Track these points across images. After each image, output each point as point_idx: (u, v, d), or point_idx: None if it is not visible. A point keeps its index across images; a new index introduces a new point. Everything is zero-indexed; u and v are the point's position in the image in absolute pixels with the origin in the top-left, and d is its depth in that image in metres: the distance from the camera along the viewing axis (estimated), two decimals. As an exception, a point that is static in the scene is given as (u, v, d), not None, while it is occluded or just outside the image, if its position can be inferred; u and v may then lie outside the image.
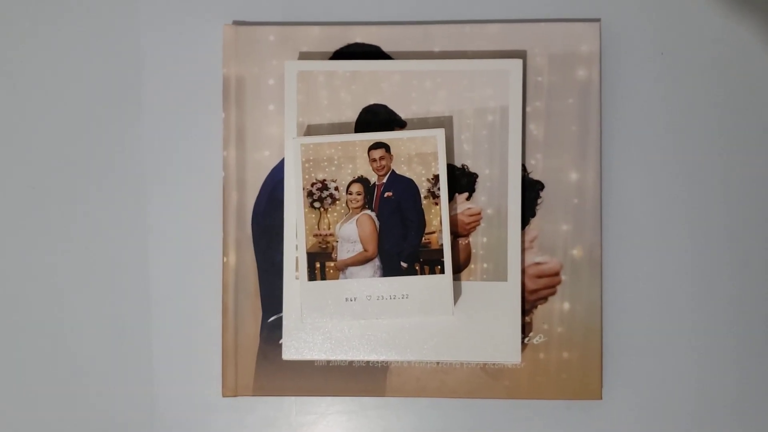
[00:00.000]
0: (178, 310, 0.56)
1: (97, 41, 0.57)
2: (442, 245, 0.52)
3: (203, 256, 0.56)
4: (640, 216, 0.56)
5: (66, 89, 0.57)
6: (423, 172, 0.52)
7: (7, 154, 0.57)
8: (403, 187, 0.52)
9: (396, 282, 0.52)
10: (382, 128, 0.54)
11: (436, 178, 0.52)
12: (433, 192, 0.52)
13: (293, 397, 0.56)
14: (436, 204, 0.52)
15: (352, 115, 0.54)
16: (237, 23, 0.56)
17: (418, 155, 0.52)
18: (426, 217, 0.52)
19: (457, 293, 0.53)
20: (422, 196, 0.52)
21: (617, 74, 0.56)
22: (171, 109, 0.57)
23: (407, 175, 0.52)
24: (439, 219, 0.52)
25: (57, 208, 0.57)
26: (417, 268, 0.52)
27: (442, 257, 0.52)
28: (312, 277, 0.53)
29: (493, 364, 0.54)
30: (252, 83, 0.55)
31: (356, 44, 0.55)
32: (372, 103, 0.54)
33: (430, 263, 0.52)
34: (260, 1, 0.57)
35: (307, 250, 0.53)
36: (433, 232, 0.52)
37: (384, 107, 0.54)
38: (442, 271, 0.52)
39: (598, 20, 0.56)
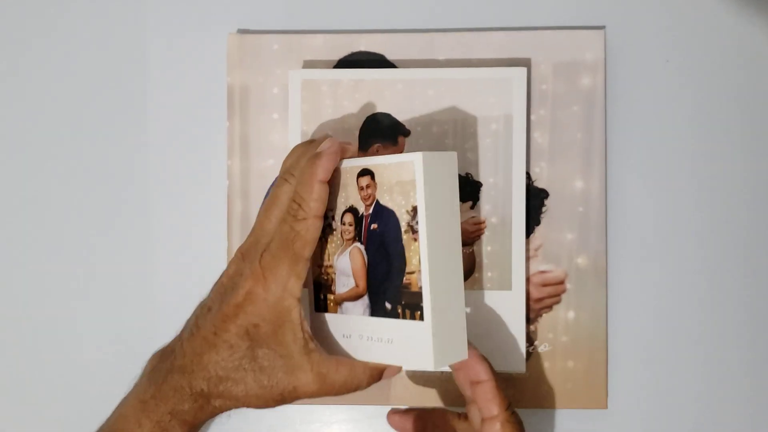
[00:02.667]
0: (182, 318, 0.56)
1: (103, 50, 0.57)
2: (421, 288, 0.44)
3: (208, 264, 0.56)
4: (646, 224, 0.56)
5: (72, 97, 0.57)
6: (403, 202, 0.44)
7: (14, 162, 0.57)
8: (386, 220, 0.45)
9: (382, 324, 0.46)
10: (386, 137, 0.54)
11: (416, 210, 0.44)
12: (413, 226, 0.44)
13: (297, 406, 0.56)
14: (416, 240, 0.44)
15: (356, 124, 0.54)
16: (241, 32, 0.56)
17: (398, 183, 0.44)
18: (406, 255, 0.44)
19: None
20: (402, 230, 0.44)
21: (622, 82, 0.56)
22: (176, 117, 0.57)
23: (389, 205, 0.45)
24: (418, 257, 0.43)
25: (61, 216, 0.57)
26: (399, 311, 0.45)
27: (422, 301, 0.43)
28: (318, 307, 0.49)
29: (498, 373, 0.54)
30: (256, 92, 0.55)
31: (360, 52, 0.55)
32: (376, 111, 0.54)
33: (411, 307, 0.44)
34: (264, 9, 0.57)
35: (314, 279, 0.49)
36: (413, 272, 0.44)
37: (388, 116, 0.54)
38: (422, 318, 0.44)
39: (602, 28, 0.55)
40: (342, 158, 0.46)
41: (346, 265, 0.47)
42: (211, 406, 0.45)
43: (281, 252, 0.43)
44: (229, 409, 0.45)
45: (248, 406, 0.45)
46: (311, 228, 0.43)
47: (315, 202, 0.43)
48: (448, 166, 0.45)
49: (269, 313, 0.43)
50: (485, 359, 0.46)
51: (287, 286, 0.43)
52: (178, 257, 0.57)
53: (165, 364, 0.46)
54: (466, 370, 0.46)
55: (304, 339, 0.44)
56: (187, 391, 0.45)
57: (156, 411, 0.45)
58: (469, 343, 0.45)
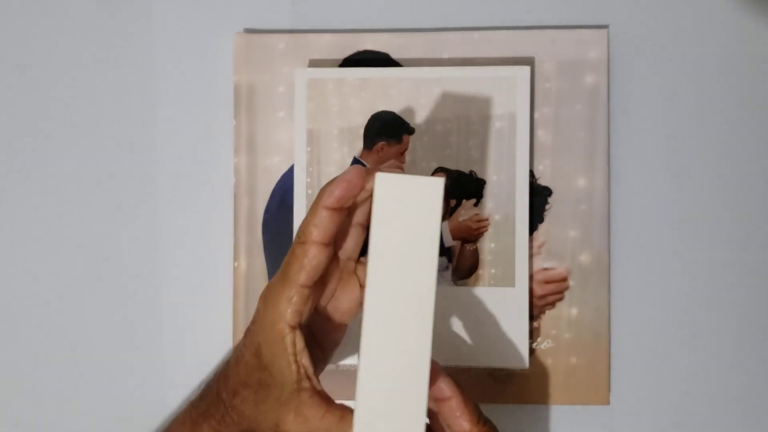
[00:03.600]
0: (189, 314, 0.57)
1: (111, 50, 0.58)
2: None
3: (214, 261, 0.57)
4: (648, 222, 0.56)
5: (79, 96, 0.58)
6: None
7: (23, 161, 0.58)
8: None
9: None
10: (391, 135, 0.54)
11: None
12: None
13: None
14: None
15: (361, 122, 0.55)
16: (248, 31, 0.57)
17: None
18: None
19: (465, 299, 0.54)
20: None
21: (625, 80, 0.56)
22: (183, 116, 0.58)
23: None
24: None
25: (69, 213, 0.58)
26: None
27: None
28: None
29: (501, 370, 0.54)
30: (263, 90, 0.56)
31: (365, 51, 0.56)
32: (381, 110, 0.55)
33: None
34: (271, 9, 0.58)
35: None
36: None
37: (392, 114, 0.55)
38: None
39: (606, 27, 0.56)
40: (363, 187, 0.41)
41: None
42: (229, 417, 0.44)
43: (280, 273, 0.42)
44: (242, 428, 0.44)
45: (252, 429, 0.43)
46: (308, 253, 0.40)
47: (314, 227, 0.41)
48: (427, 194, 0.36)
49: (266, 334, 0.41)
50: (446, 374, 0.42)
51: (279, 310, 0.41)
52: (184, 254, 0.57)
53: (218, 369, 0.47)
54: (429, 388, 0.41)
55: (298, 373, 0.41)
56: (214, 396, 0.45)
57: (196, 410, 0.46)
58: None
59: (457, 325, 0.53)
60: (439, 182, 0.36)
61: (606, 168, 0.55)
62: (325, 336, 0.46)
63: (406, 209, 0.36)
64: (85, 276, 0.57)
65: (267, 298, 0.42)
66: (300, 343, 0.41)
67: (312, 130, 0.55)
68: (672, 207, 0.56)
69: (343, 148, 0.55)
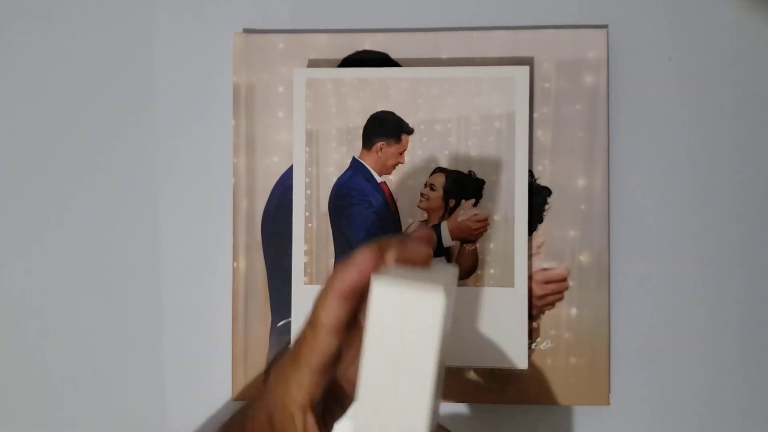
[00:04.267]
0: (188, 314, 0.57)
1: (110, 49, 0.58)
2: None
3: (214, 261, 0.57)
4: (648, 222, 0.56)
5: (78, 96, 0.58)
6: None
7: (23, 162, 0.58)
8: None
9: None
10: (390, 135, 0.54)
11: None
12: None
13: None
14: None
15: (360, 122, 0.55)
16: (247, 31, 0.57)
17: None
18: None
19: (464, 299, 0.54)
20: None
21: (625, 80, 0.56)
22: (182, 116, 0.58)
23: None
24: None
25: (68, 213, 0.58)
26: None
27: None
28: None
29: (500, 370, 0.54)
30: (262, 90, 0.56)
31: (364, 51, 0.56)
32: (380, 110, 0.55)
33: None
34: (270, 9, 0.58)
35: None
36: None
37: (391, 114, 0.55)
38: None
39: (605, 26, 0.56)
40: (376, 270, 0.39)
41: None
42: None
43: (291, 353, 0.40)
44: None
45: None
46: (318, 338, 0.39)
47: (325, 314, 0.39)
48: (427, 308, 0.33)
49: (278, 411, 0.40)
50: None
51: (289, 391, 0.40)
52: (184, 254, 0.57)
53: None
54: None
55: None
56: None
57: None
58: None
59: (457, 326, 0.53)
60: (440, 297, 0.33)
61: (605, 168, 0.55)
62: (344, 397, 0.44)
63: (404, 321, 0.33)
64: (85, 276, 0.57)
65: (278, 377, 0.41)
66: (310, 422, 0.40)
67: (311, 130, 0.55)
68: (671, 207, 0.56)
69: (342, 148, 0.55)
